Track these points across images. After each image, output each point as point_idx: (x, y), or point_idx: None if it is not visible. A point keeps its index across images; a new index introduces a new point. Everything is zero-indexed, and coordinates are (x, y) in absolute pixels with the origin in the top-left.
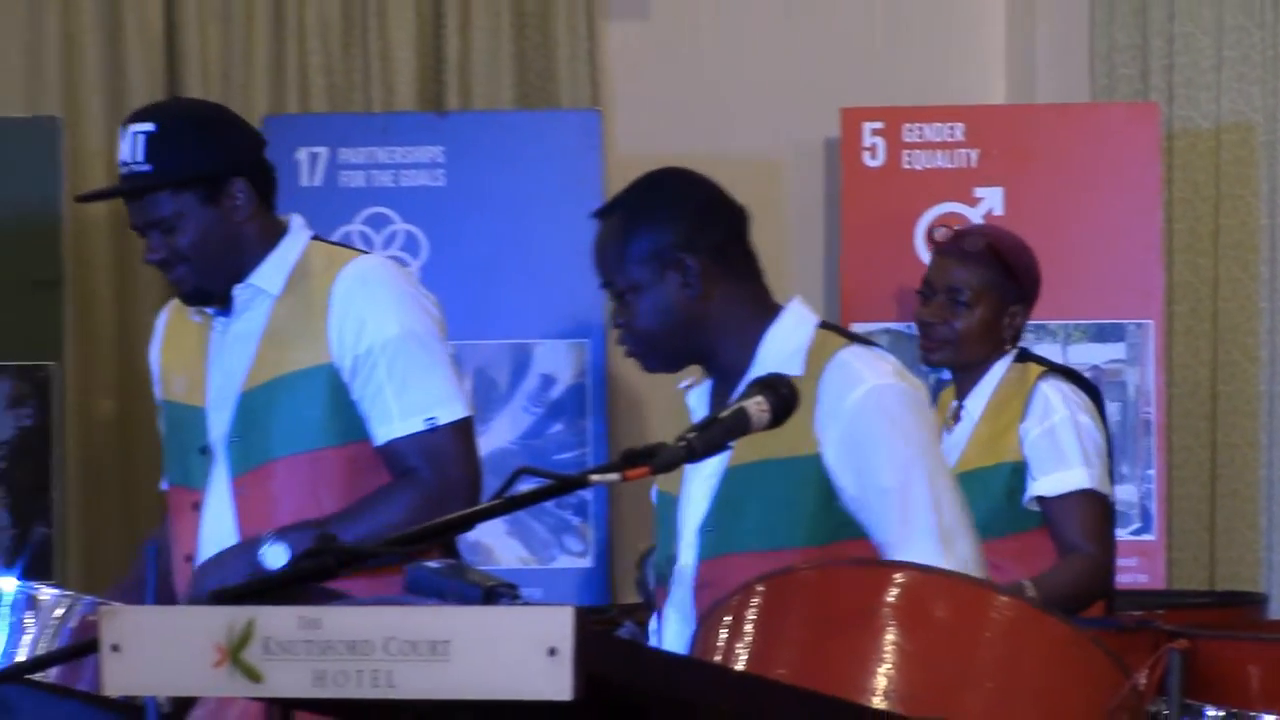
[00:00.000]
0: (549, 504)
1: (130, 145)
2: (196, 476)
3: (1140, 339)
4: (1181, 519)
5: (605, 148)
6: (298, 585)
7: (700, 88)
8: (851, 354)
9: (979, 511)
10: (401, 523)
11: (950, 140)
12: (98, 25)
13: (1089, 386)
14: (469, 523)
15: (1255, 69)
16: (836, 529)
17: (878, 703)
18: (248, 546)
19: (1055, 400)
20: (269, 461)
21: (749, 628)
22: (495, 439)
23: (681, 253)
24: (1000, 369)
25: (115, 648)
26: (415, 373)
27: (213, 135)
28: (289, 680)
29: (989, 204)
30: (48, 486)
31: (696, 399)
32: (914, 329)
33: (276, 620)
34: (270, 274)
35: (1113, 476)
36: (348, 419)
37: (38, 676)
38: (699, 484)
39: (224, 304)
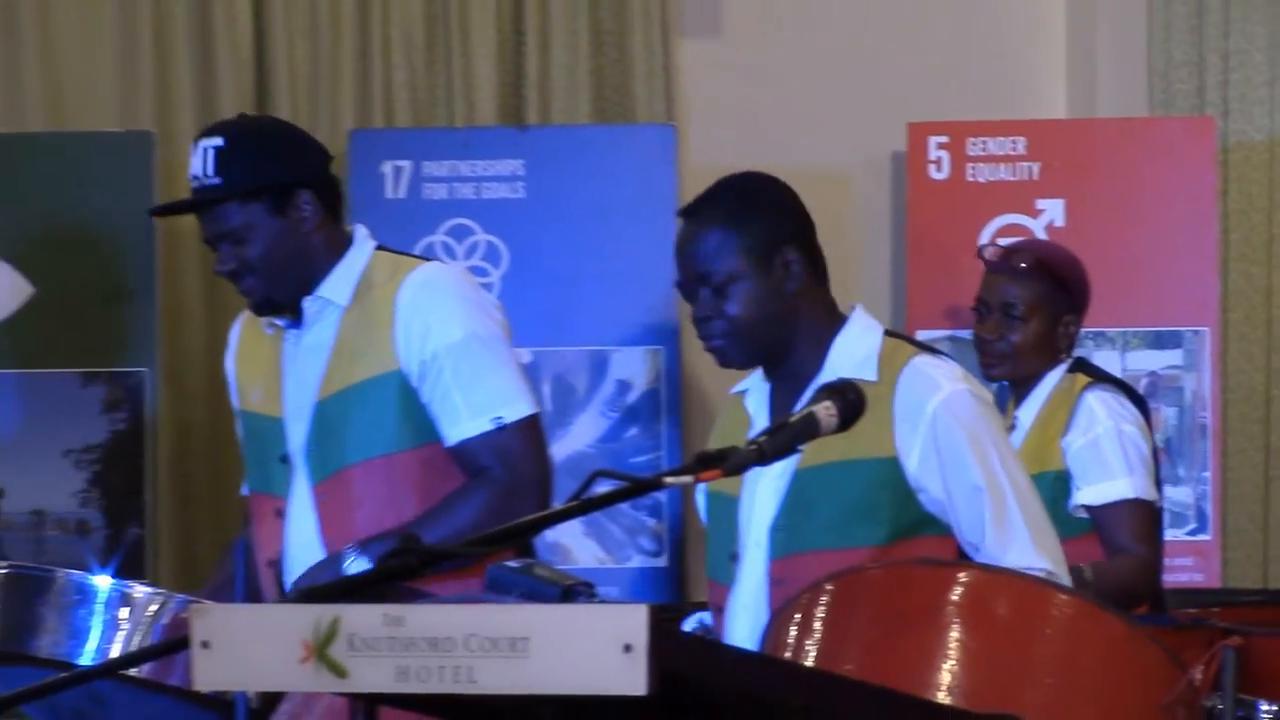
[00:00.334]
0: (624, 505)
1: (200, 160)
2: (278, 484)
3: (1196, 346)
4: (1236, 519)
5: (679, 160)
6: (382, 585)
7: (771, 103)
8: (924, 361)
9: None
10: (478, 522)
11: (1013, 153)
12: (189, 43)
13: (1135, 396)
14: (547, 523)
15: None
16: (910, 528)
17: (941, 697)
18: (333, 561)
19: (1100, 411)
20: (347, 467)
21: (818, 625)
22: (573, 442)
23: (787, 247)
24: (1053, 379)
25: (205, 644)
26: (480, 374)
27: (279, 148)
28: (373, 676)
29: (1050, 215)
30: (140, 489)
31: (754, 403)
32: None
33: (361, 618)
34: (338, 285)
35: (1163, 480)
36: (420, 423)
37: (131, 672)
38: (766, 485)
39: (294, 315)
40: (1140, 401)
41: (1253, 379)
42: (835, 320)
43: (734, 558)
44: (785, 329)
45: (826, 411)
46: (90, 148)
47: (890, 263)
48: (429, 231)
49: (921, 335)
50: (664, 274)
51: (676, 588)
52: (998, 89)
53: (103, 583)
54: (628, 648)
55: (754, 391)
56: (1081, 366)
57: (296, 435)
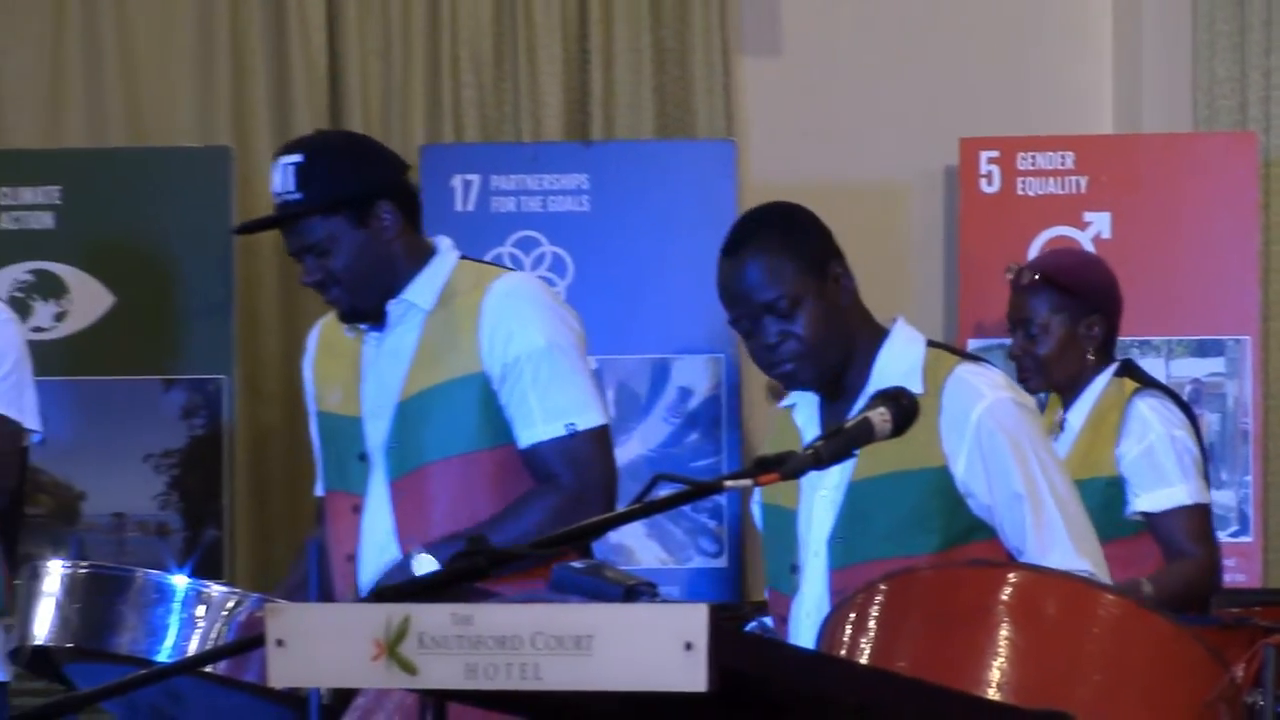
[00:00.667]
0: (685, 508)
1: (282, 176)
2: (355, 481)
3: (1238, 354)
4: (1277, 522)
5: (739, 175)
6: (451, 585)
7: (828, 119)
8: (967, 370)
9: None
10: (545, 525)
11: (1061, 168)
12: (266, 61)
13: (1180, 402)
14: (611, 525)
15: None
16: (963, 534)
17: (992, 694)
18: (404, 564)
19: (1152, 419)
20: (424, 465)
21: (872, 624)
22: (636, 448)
23: (833, 263)
24: (1101, 382)
25: (280, 642)
26: (557, 381)
27: (357, 161)
28: (442, 673)
29: (1097, 228)
30: (218, 492)
31: (803, 417)
32: None
33: (431, 617)
34: (422, 290)
35: (1210, 482)
36: (497, 424)
37: (207, 668)
38: (823, 498)
39: (377, 320)
40: (1185, 406)
41: None
42: (878, 333)
43: (795, 569)
44: (847, 343)
45: (881, 417)
46: (169, 162)
47: (943, 273)
48: (497, 243)
49: (972, 345)
50: None
51: (736, 588)
52: (1047, 105)
53: (180, 582)
54: (689, 646)
55: (802, 406)
56: (1129, 370)
57: (376, 434)
